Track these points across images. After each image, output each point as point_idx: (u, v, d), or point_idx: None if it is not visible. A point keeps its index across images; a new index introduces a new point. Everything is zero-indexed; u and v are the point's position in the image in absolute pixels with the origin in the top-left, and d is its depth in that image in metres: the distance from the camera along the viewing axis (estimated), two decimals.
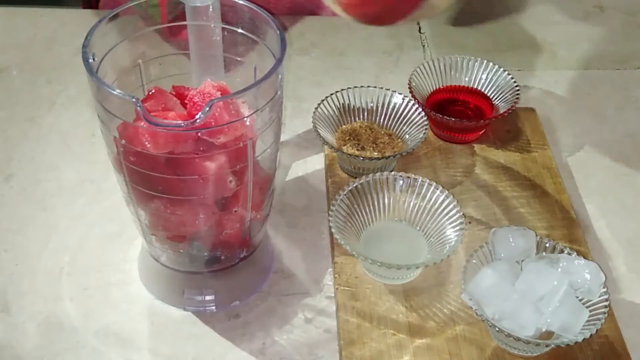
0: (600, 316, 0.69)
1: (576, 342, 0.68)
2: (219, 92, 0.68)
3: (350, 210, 0.80)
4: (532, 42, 1.15)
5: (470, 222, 0.84)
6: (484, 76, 0.95)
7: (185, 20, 0.70)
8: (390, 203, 0.82)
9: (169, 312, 0.77)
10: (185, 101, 0.68)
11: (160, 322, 0.77)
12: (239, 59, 0.73)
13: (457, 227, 0.77)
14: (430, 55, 1.11)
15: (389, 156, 0.85)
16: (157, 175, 0.66)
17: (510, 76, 0.94)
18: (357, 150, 0.88)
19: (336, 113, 0.91)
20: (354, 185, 0.80)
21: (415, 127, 0.89)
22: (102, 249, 0.83)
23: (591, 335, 0.68)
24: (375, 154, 0.87)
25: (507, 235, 0.75)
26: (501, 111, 0.91)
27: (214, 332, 0.76)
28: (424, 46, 1.13)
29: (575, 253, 0.75)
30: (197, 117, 0.61)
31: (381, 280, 0.78)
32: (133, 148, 0.65)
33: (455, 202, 0.78)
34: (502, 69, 0.95)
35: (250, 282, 0.79)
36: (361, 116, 0.92)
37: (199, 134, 0.65)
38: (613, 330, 0.74)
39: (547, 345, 0.71)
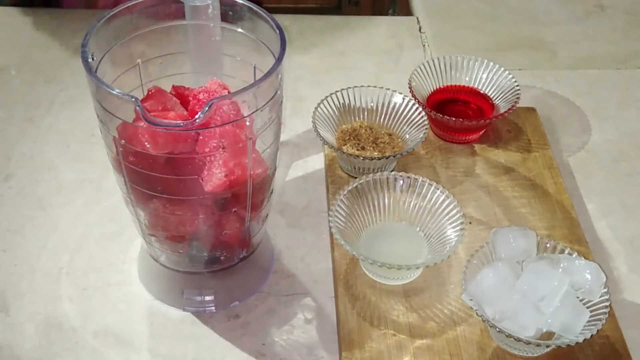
0: (601, 316, 0.69)
1: (577, 343, 0.68)
2: (226, 90, 0.67)
3: (350, 210, 0.79)
4: (533, 42, 1.15)
5: (470, 222, 0.84)
6: (484, 76, 0.95)
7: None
8: (390, 203, 0.81)
9: (169, 312, 0.77)
10: (190, 98, 0.68)
11: (160, 323, 0.76)
12: (238, 58, 0.73)
13: (458, 227, 0.77)
14: (430, 55, 1.11)
15: (389, 156, 0.85)
16: (156, 175, 0.66)
17: (510, 76, 0.94)
18: (357, 150, 0.88)
19: (336, 113, 0.90)
20: (354, 185, 0.80)
21: (416, 126, 0.88)
22: (102, 249, 0.83)
23: (592, 335, 0.68)
24: (376, 153, 0.87)
25: (507, 236, 0.75)
26: (502, 111, 0.91)
27: (214, 332, 0.76)
28: (424, 46, 1.13)
29: (576, 253, 0.74)
30: (196, 117, 0.61)
31: (381, 281, 0.78)
32: (132, 148, 0.65)
33: (455, 202, 0.78)
34: (502, 69, 0.94)
35: (250, 283, 0.79)
36: (361, 116, 0.92)
37: (199, 134, 0.64)
38: (614, 330, 0.74)
39: (547, 346, 0.70)
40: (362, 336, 0.74)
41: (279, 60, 0.66)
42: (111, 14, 0.68)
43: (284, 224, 0.86)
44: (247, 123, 0.66)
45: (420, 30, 1.16)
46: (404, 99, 0.90)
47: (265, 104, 0.66)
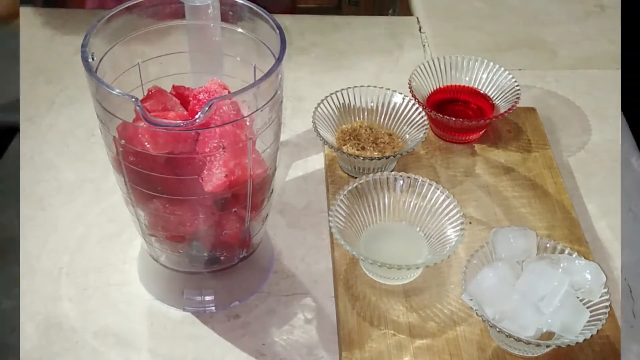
0: (601, 316, 0.69)
1: (577, 343, 0.68)
2: (226, 90, 0.67)
3: (350, 210, 0.79)
4: (533, 42, 1.15)
5: (470, 222, 0.84)
6: (484, 76, 0.95)
7: None
8: (390, 203, 0.82)
9: (169, 312, 0.77)
10: (190, 98, 0.68)
11: (160, 323, 0.76)
12: (238, 58, 0.73)
13: (458, 227, 0.77)
14: (430, 55, 1.11)
15: (389, 156, 0.85)
16: (156, 175, 0.66)
17: (510, 76, 0.94)
18: (357, 150, 0.88)
19: (336, 113, 0.91)
20: (354, 185, 0.80)
21: (416, 126, 0.88)
22: (102, 249, 0.83)
23: (592, 335, 0.68)
24: (376, 153, 0.87)
25: (507, 236, 0.75)
26: (502, 111, 0.91)
27: (214, 332, 0.76)
28: (424, 45, 1.13)
29: (576, 253, 0.74)
30: (196, 117, 0.61)
31: (381, 281, 0.78)
32: (132, 148, 0.65)
33: (455, 202, 0.78)
34: (502, 69, 0.94)
35: (250, 283, 0.79)
36: (361, 116, 0.92)
37: (199, 134, 0.64)
38: (614, 330, 0.74)
39: (547, 346, 0.71)
40: (362, 336, 0.74)
41: (279, 60, 0.66)
42: (111, 14, 0.68)
43: (284, 224, 0.86)
44: (247, 123, 0.66)
45: (420, 30, 1.16)
46: (404, 99, 0.90)
47: (265, 104, 0.66)
